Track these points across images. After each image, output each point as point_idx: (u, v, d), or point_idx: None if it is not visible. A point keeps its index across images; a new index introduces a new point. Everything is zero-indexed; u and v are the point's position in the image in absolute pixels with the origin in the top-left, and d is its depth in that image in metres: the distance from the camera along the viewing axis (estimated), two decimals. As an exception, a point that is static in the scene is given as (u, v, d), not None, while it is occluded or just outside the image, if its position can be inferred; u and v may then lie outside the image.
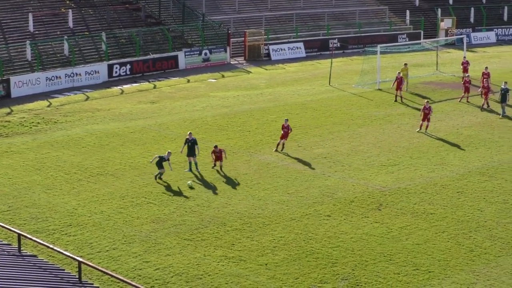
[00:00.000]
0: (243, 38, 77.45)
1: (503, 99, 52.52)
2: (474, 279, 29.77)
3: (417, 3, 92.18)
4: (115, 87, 63.90)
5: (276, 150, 44.86)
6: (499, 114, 52.52)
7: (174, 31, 75.69)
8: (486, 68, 60.09)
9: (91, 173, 41.62)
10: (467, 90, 56.00)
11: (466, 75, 58.93)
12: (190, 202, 37.43)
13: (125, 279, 27.04)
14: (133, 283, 26.57)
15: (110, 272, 27.67)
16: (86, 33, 70.62)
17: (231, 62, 75.24)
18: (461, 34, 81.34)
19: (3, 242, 28.80)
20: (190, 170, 41.54)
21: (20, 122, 52.32)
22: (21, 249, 27.62)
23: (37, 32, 68.21)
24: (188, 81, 66.95)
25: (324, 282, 29.58)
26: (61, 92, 61.77)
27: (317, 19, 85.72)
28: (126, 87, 64.15)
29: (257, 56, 77.07)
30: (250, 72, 71.54)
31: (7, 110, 55.49)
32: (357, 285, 29.31)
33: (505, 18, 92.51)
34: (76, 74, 64.20)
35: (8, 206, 36.84)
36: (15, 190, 39.06)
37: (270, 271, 30.42)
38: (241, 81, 66.96)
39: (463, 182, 40.28)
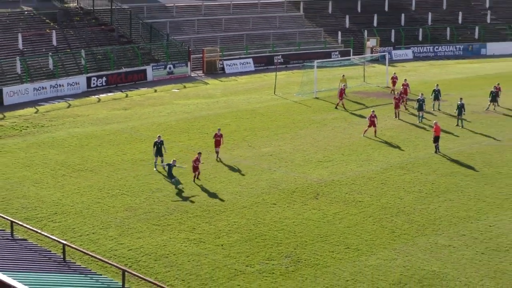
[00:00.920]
0: (202, 55, 77.31)
1: (420, 108, 52.55)
2: (395, 255, 30.09)
3: (347, 25, 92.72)
4: (93, 96, 63.43)
5: (218, 159, 43.14)
6: (418, 119, 52.67)
7: (143, 48, 75.32)
8: (405, 80, 60.93)
9: (73, 169, 41.33)
10: (397, 106, 53.73)
11: (396, 93, 57.31)
12: (157, 193, 37.35)
13: (103, 259, 26.95)
14: (110, 262, 26.49)
15: (90, 253, 27.55)
16: (68, 50, 69.97)
17: (192, 75, 75.05)
18: (383, 52, 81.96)
19: (-2, 228, 28.54)
20: (155, 168, 41.11)
21: (12, 126, 51.76)
22: (14, 234, 27.39)
23: (25, 49, 67.45)
24: (155, 91, 66.67)
25: (270, 259, 29.71)
26: (46, 100, 61.20)
27: (263, 38, 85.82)
28: (102, 96, 63.72)
29: (213, 70, 76.97)
30: (208, 83, 71.44)
31: (0, 116, 54.83)
32: (298, 262, 29.47)
33: (420, 38, 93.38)
34: (60, 85, 63.61)
35: (2, 198, 36.47)
36: (8, 184, 38.67)
37: (225, 251, 30.49)
38: (200, 91, 66.85)
39: (386, 175, 40.66)
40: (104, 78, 67.35)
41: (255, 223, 33.51)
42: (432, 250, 30.63)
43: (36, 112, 56.69)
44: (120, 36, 76.34)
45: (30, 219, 33.33)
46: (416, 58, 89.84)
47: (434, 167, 42.11)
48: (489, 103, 56.45)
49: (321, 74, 66.68)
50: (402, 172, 41.17)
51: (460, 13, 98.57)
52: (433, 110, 56.04)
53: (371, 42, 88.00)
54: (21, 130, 50.50)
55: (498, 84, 58.26)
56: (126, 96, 64.07)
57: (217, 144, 43.36)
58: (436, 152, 44.53)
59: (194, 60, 76.86)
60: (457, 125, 51.17)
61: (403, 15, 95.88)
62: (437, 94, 56.40)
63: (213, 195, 36.81)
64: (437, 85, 57.81)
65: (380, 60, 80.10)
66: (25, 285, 18.17)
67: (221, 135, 43.51)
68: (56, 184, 38.79)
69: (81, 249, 27.28)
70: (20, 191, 37.57)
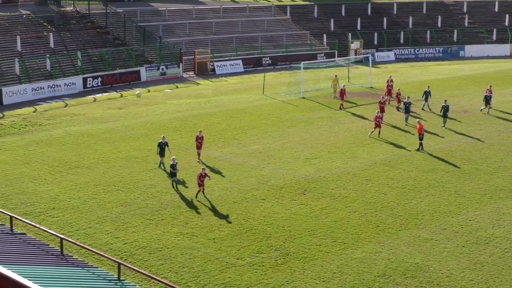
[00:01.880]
0: (193, 56, 77.10)
1: (407, 111, 51.40)
2: (380, 248, 29.99)
3: (332, 28, 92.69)
4: (89, 96, 63.11)
5: (199, 161, 41.90)
6: (405, 121, 51.69)
7: (137, 50, 74.98)
8: (390, 76, 61.10)
9: (70, 166, 41.03)
10: (382, 110, 51.30)
11: (386, 97, 56.41)
12: (151, 189, 37.11)
13: (99, 252, 26.72)
14: (106, 255, 26.27)
15: (87, 246, 27.31)
16: (64, 52, 69.60)
17: (183, 76, 74.80)
18: (367, 54, 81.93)
19: (-2, 223, 28.27)
20: (160, 167, 40.49)
21: (11, 124, 51.38)
22: (13, 228, 27.12)
23: (24, 51, 67.04)
24: (149, 91, 66.37)
25: (260, 252, 29.55)
26: (44, 100, 60.84)
27: (252, 41, 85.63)
28: (98, 96, 63.38)
29: (204, 71, 76.74)
30: (199, 83, 71.19)
31: (-1, 115, 54.54)
32: (287, 255, 29.32)
33: (402, 41, 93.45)
34: (57, 85, 63.24)
35: (1, 194, 36.15)
36: (7, 180, 38.34)
37: (217, 244, 30.30)
38: (191, 91, 66.59)
39: (370, 171, 40.56)
40: (100, 79, 67.01)
41: (245, 217, 33.32)
42: (415, 243, 30.53)
43: (34, 111, 56.30)
44: (114, 38, 75.99)
45: (29, 214, 33.04)
46: (398, 59, 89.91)
47: (416, 163, 42.04)
48: (483, 106, 55.96)
49: (307, 75, 66.57)
50: (385, 168, 41.07)
51: (439, 17, 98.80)
52: (423, 110, 55.95)
53: (355, 45, 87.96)
54: (20, 129, 50.12)
55: (490, 86, 57.77)
56: (121, 96, 63.74)
57: (199, 146, 42.08)
58: (418, 149, 44.37)
59: (186, 62, 76.69)
60: (443, 126, 50.69)
61: (385, 18, 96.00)
62: (427, 95, 56.40)
63: (205, 191, 36.55)
64: (428, 86, 57.96)
65: (364, 62, 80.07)
66: (24, 277, 17.96)
67: (202, 138, 42.13)
68: (53, 180, 38.48)
69: (78, 243, 27.02)
70: (19, 187, 37.24)
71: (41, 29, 71.89)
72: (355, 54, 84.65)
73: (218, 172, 39.92)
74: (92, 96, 63.16)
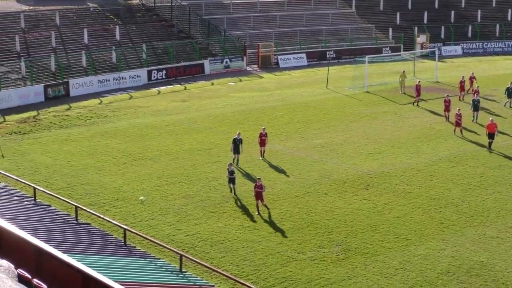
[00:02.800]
0: (257, 50, 77.19)
1: (476, 108, 49.85)
2: (443, 245, 29.61)
3: (398, 22, 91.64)
4: (153, 88, 63.77)
5: (262, 158, 41.13)
6: (472, 119, 49.89)
7: (201, 43, 75.44)
8: (472, 73, 59.82)
9: (133, 158, 41.60)
10: (447, 109, 50.01)
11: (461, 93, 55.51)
12: (214, 182, 37.34)
13: (161, 243, 27.08)
14: (168, 247, 26.62)
15: (149, 238, 27.70)
16: (130, 44, 70.54)
17: (247, 69, 74.93)
18: (433, 48, 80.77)
19: (64, 213, 28.85)
20: (235, 164, 39.46)
21: (77, 116, 52.33)
22: (78, 218, 27.66)
23: (90, 43, 68.14)
24: (212, 84, 66.75)
25: (322, 247, 29.48)
26: (110, 92, 61.72)
27: (316, 34, 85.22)
28: (162, 88, 64.02)
29: (268, 64, 76.74)
30: (262, 77, 71.24)
31: (66, 106, 55.50)
32: (349, 250, 29.19)
33: (469, 34, 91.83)
34: (122, 77, 64.11)
35: (67, 184, 36.88)
36: (73, 171, 39.09)
37: (278, 238, 30.36)
38: (255, 84, 66.71)
39: (434, 167, 40.04)
40: (164, 71, 67.66)
41: (307, 212, 33.28)
42: (480, 241, 30.05)
43: (100, 103, 57.21)
44: (179, 31, 76.62)
45: (93, 205, 33.62)
46: (465, 54, 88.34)
47: (482, 160, 41.33)
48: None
49: (372, 69, 65.97)
50: (450, 164, 40.49)
51: (510, 10, 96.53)
52: (505, 106, 54.04)
53: (421, 38, 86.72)
54: (85, 120, 51.00)
55: None
56: (185, 88, 64.25)
57: (262, 143, 41.32)
58: (489, 149, 43.18)
59: (250, 55, 76.78)
60: None
61: (453, 12, 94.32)
62: (510, 92, 54.28)
63: (267, 185, 36.54)
64: (511, 82, 55.73)
65: (430, 56, 78.88)
66: (89, 267, 18.27)
67: (266, 134, 41.46)
68: (117, 171, 39.07)
69: (141, 234, 27.45)
70: (84, 177, 37.93)
71: (107, 22, 72.96)
72: (421, 48, 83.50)
73: (280, 166, 39.92)
74: (156, 88, 63.82)
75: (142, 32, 73.60)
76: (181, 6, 79.21)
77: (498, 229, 31.26)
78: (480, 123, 48.60)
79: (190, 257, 25.88)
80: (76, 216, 27.45)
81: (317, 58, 79.97)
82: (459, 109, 47.39)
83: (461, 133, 46.38)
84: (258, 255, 28.62)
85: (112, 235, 27.26)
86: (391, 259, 28.34)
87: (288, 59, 78.32)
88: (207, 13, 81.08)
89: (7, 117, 51.27)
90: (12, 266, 11.30)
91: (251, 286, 23.03)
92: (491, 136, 43.35)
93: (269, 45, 78.23)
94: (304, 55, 79.49)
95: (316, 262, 28.04)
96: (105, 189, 36.11)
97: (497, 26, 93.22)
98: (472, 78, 60.07)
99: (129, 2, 79.46)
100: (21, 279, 11.77)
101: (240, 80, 68.87)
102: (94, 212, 29.25)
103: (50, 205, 29.47)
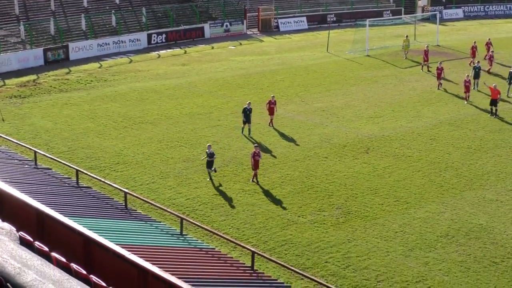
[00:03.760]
0: (257, 13, 76.76)
1: (476, 76, 48.47)
2: (443, 208, 29.71)
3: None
4: (153, 52, 63.53)
5: (271, 125, 40.08)
6: (474, 87, 48.32)
7: (201, 7, 75.00)
8: (489, 39, 58.72)
9: (134, 122, 41.57)
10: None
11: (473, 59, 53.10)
12: (214, 145, 37.26)
13: (162, 207, 27.14)
14: (169, 210, 26.67)
15: (150, 201, 27.76)
16: (130, 8, 70.10)
17: (247, 33, 74.57)
18: (434, 11, 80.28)
19: (64, 176, 28.86)
20: (242, 132, 39.05)
21: (77, 80, 52.19)
22: (79, 182, 27.67)
23: (90, 7, 67.72)
24: (212, 47, 66.47)
25: (322, 210, 29.58)
26: (109, 56, 61.52)
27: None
28: (162, 52, 63.76)
29: (268, 28, 76.36)
30: (263, 40, 70.92)
31: (66, 70, 55.33)
32: (349, 213, 29.30)
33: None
34: (122, 41, 63.87)
35: (68, 148, 36.91)
36: (73, 134, 39.09)
37: (278, 201, 30.44)
38: (255, 48, 66.44)
39: (435, 131, 40.03)
40: (164, 35, 67.36)
41: (307, 175, 33.33)
42: (479, 204, 30.14)
43: (99, 67, 57.03)
44: (179, -6, 76.12)
45: (94, 168, 33.66)
46: (466, 17, 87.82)
47: (482, 123, 41.29)
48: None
49: (372, 33, 65.64)
50: (451, 128, 40.46)
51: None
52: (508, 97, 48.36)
53: (422, 2, 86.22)
54: (85, 84, 50.88)
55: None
56: (185, 52, 64.00)
57: (271, 111, 40.19)
58: (491, 115, 42.59)
59: (250, 18, 76.36)
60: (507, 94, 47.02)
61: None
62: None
63: (267, 149, 36.66)
64: None
65: (431, 19, 78.42)
66: (90, 230, 18.34)
67: (275, 102, 40.13)
68: (118, 135, 39.07)
69: (141, 197, 27.48)
70: (84, 141, 37.95)
71: (106, -15, 72.47)
72: (422, 12, 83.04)
73: (280, 130, 39.87)
74: (156, 52, 63.57)
75: (141, -5, 73.13)
76: (181, -31, 78.60)
77: (497, 192, 31.34)
78: (481, 90, 47.98)
79: (191, 220, 25.95)
80: (77, 180, 27.43)
81: (318, 22, 79.53)
82: (468, 75, 46.56)
83: (467, 98, 45.40)
84: (259, 218, 28.73)
85: (113, 199, 27.27)
86: (391, 222, 28.45)
87: (288, 22, 77.91)
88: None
89: (7, 81, 51.14)
90: (14, 229, 11.34)
91: (252, 249, 23.12)
92: (493, 102, 42.84)
93: (270, 9, 77.78)
94: (304, 18, 79.04)
95: (316, 225, 28.15)
96: (105, 153, 36.14)
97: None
98: (488, 44, 58.12)
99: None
100: (22, 241, 11.82)
101: (240, 44, 68.56)
102: (95, 176, 29.24)
103: (50, 169, 29.44)
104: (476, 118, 42.24)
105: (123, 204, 25.84)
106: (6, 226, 11.00)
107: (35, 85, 50.18)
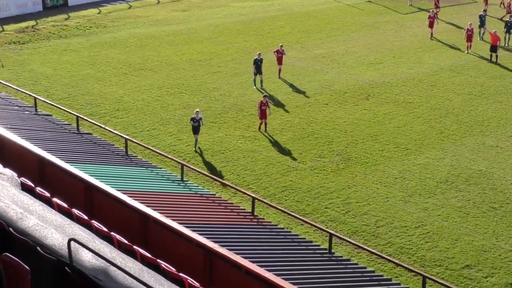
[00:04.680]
0: (257, -42, 75.86)
1: (482, 24, 46.60)
2: (443, 155, 29.79)
3: None
4: (153, -2, 63.02)
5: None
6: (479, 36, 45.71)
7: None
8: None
9: (134, 68, 41.41)
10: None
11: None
12: (214, 92, 37.27)
13: (162, 153, 27.26)
14: (169, 156, 26.78)
15: (151, 148, 27.85)
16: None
17: (247, -22, 73.82)
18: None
19: (65, 123, 28.90)
20: (255, 85, 37.83)
21: (76, 26, 51.81)
22: (79, 128, 27.71)
23: (88, -48, 66.89)
24: (212, -7, 65.87)
25: (322, 157, 29.67)
26: (109, 1, 60.92)
27: None
28: (161, -2, 63.23)
29: (268, -27, 75.53)
30: (263, -14, 70.22)
31: (65, 16, 54.88)
32: (349, 160, 29.39)
33: None
34: (121, -13, 63.27)
35: (68, 94, 36.86)
36: (73, 81, 38.99)
37: (278, 148, 30.52)
38: (255, -6, 65.83)
39: (436, 77, 39.90)
40: (163, -19, 66.61)
41: (308, 122, 33.34)
42: (479, 150, 30.22)
43: (99, 13, 56.56)
44: None
45: (94, 115, 33.65)
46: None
47: (483, 70, 41.13)
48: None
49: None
50: (452, 74, 40.32)
51: None
52: (506, 45, 46.48)
53: None
54: (84, 30, 50.54)
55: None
56: (184, -2, 63.41)
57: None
58: (490, 61, 42.16)
59: (250, -37, 75.51)
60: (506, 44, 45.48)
61: None
62: (510, 26, 46.92)
63: (267, 96, 36.54)
64: (511, 16, 49.03)
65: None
66: (91, 176, 18.43)
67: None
68: (118, 82, 38.97)
69: (142, 144, 27.58)
70: (84, 88, 37.87)
71: None
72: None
73: (282, 76, 39.70)
74: (155, -2, 62.99)
75: None
76: None
77: (497, 138, 31.38)
78: (486, 41, 47.12)
79: (191, 167, 26.07)
80: (78, 126, 27.49)
81: (319, -33, 78.54)
82: (470, 23, 44.97)
83: (469, 48, 44.26)
84: (259, 165, 28.83)
85: (113, 145, 27.39)
86: (391, 168, 28.55)
87: (289, -33, 76.91)
88: None
89: (5, 27, 50.77)
90: (15, 174, 11.37)
91: (252, 194, 23.27)
92: (493, 48, 42.49)
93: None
94: (305, -37, 78.04)
95: (316, 172, 28.26)
96: (105, 99, 36.09)
97: None
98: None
99: None
100: (24, 187, 11.87)
101: (241, -11, 67.85)
102: (96, 122, 29.31)
103: (51, 115, 29.49)
104: (477, 65, 42.05)
105: (124, 151, 25.95)
106: (8, 171, 11.03)
107: (34, 31, 49.83)
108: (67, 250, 7.74)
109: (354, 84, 38.63)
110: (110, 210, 17.27)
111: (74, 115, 28.21)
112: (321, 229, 22.66)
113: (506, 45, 45.38)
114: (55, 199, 14.26)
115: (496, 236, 23.85)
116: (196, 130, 30.45)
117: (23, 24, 51.62)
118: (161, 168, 26.09)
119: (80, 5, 58.54)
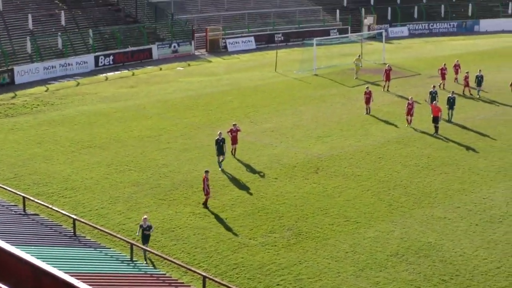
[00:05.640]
0: (205, 33, 77.03)
1: (479, 84, 50.74)
2: (393, 227, 30.05)
3: (345, 3, 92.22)
4: (101, 75, 63.29)
5: (233, 155, 37.80)
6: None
7: (148, 28, 74.97)
8: (457, 60, 57.82)
9: (82, 146, 41.25)
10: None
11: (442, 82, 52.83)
12: (164, 168, 37.25)
13: (111, 232, 26.98)
14: (118, 236, 26.52)
15: (99, 227, 27.55)
16: (76, 30, 69.68)
17: (195, 53, 74.79)
18: (380, 29, 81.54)
19: (11, 204, 28.52)
20: (220, 167, 36.83)
21: (23, 104, 51.62)
22: (26, 209, 27.36)
23: (35, 29, 67.16)
24: (161, 69, 66.45)
25: (273, 232, 29.68)
26: (56, 79, 61.05)
27: (264, 17, 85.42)
28: (109, 74, 63.53)
29: (216, 48, 76.69)
30: (211, 61, 71.19)
31: (12, 94, 54.70)
32: (299, 235, 29.44)
33: (416, 16, 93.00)
34: (69, 64, 63.50)
35: (14, 174, 36.44)
36: (20, 160, 38.61)
37: (229, 224, 30.45)
38: (203, 69, 66.60)
39: (383, 149, 40.52)
40: (111, 57, 67.15)
41: (258, 197, 33.44)
42: (428, 222, 30.58)
43: (46, 91, 56.50)
44: (126, 15, 76.03)
45: (41, 195, 33.28)
46: (411, 35, 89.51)
47: (429, 141, 41.96)
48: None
49: (320, 52, 66.35)
50: (399, 146, 41.02)
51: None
52: (478, 96, 51.17)
53: (368, 20, 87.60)
54: (32, 108, 50.35)
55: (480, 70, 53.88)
56: (133, 74, 63.86)
57: (234, 140, 38.70)
58: (435, 133, 42.86)
59: (198, 39, 76.64)
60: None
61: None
62: (480, 80, 51.46)
63: (217, 170, 36.64)
64: (480, 70, 53.02)
65: (377, 38, 79.59)
66: (38, 258, 18.15)
67: (237, 130, 38.50)
68: (66, 160, 38.71)
69: (90, 224, 27.28)
70: (31, 167, 37.50)
71: (52, 6, 71.97)
72: (368, 30, 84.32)
73: (230, 151, 39.88)
74: (104, 74, 63.31)
75: (88, 16, 72.79)
76: (127, -10, 78.53)
77: (445, 210, 31.84)
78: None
79: (141, 246, 25.84)
80: (24, 207, 27.15)
81: (266, 41, 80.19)
82: (411, 97, 45.82)
83: (410, 123, 44.84)
84: (210, 242, 28.70)
85: (61, 225, 27.06)
86: (342, 242, 28.68)
87: (236, 42, 78.36)
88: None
89: (-50, 106, 50.34)
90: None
91: (203, 273, 23.12)
92: (435, 120, 43.36)
93: (217, 29, 78.18)
94: (252, 38, 79.61)
95: (267, 248, 28.23)
96: (53, 179, 35.76)
97: (442, 6, 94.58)
98: (457, 67, 56.96)
99: (74, -14, 78.43)
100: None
101: (189, 65, 68.68)
102: (42, 202, 28.94)
103: (-3, 197, 29.08)
104: (423, 136, 42.90)
105: (72, 231, 25.65)
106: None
107: (-20, 110, 49.47)
108: None
109: (303, 157, 39.00)
110: (58, 295, 16.97)
111: (21, 195, 27.87)
112: (273, 306, 22.52)
113: (450, 121, 46.04)
114: (1, 285, 14.00)
115: (448, 308, 23.97)
116: (146, 238, 27.45)
117: (-31, 103, 51.26)
118: (110, 248, 25.80)
119: (27, 83, 58.53)
